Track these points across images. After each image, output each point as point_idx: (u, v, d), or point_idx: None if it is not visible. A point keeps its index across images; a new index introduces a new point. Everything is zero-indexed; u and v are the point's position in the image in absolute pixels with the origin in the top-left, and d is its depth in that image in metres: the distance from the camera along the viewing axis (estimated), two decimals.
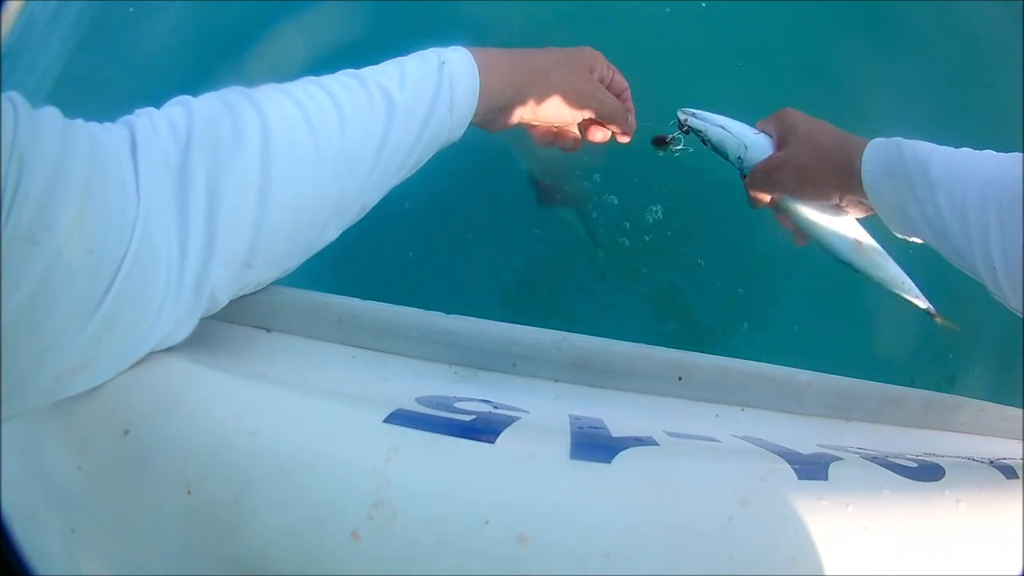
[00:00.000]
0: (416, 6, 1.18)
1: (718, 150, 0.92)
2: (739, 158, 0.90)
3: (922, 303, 0.90)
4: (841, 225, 0.88)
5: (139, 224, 0.45)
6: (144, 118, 0.51)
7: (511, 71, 0.72)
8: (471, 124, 0.71)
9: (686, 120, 0.92)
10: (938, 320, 0.91)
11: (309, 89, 0.59)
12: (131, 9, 1.29)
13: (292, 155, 0.54)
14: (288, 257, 0.58)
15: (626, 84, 0.86)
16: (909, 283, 0.90)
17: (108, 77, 1.25)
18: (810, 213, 0.88)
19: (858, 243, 0.88)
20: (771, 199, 0.90)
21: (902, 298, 0.90)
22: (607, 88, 0.83)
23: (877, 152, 0.77)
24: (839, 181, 0.81)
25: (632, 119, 0.86)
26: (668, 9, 1.03)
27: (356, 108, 0.59)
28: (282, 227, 0.55)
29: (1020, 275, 0.62)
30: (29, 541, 0.46)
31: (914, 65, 1.26)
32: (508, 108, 0.74)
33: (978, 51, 1.28)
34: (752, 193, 0.91)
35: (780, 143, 0.88)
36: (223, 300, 0.54)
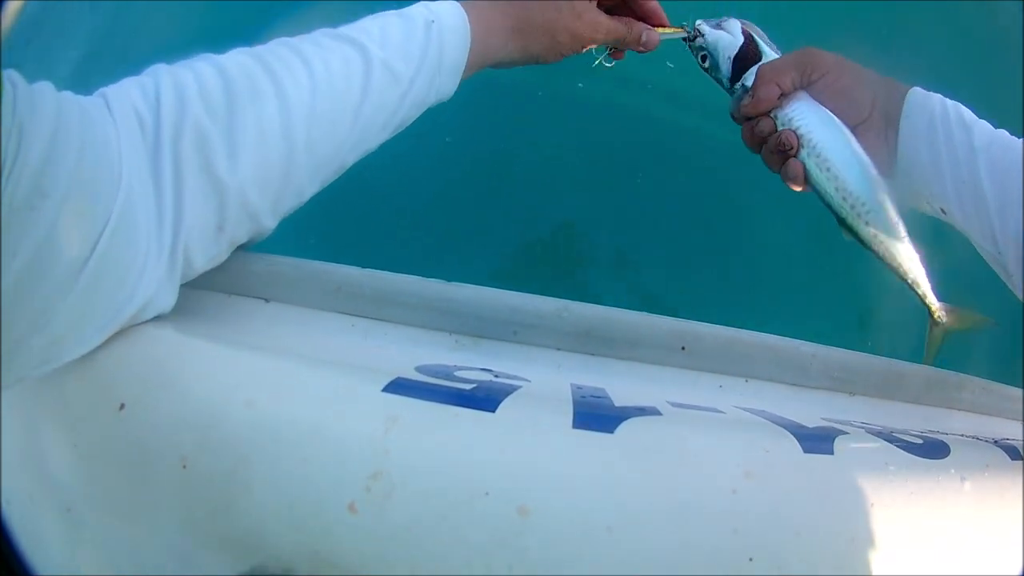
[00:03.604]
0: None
1: (711, 54, 0.80)
2: (728, 58, 0.79)
3: (927, 292, 0.78)
4: (856, 145, 0.75)
5: (123, 187, 0.46)
6: (117, 87, 0.52)
7: (508, 28, 0.70)
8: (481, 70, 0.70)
9: (699, 25, 0.80)
10: (942, 318, 0.78)
11: (278, 51, 0.58)
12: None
13: (259, 117, 0.54)
14: (261, 219, 0.57)
15: None
16: (919, 262, 0.77)
17: (104, 78, 1.23)
18: (828, 126, 0.74)
19: (874, 175, 0.74)
20: (781, 95, 0.76)
21: (903, 277, 0.78)
22: None
23: (921, 101, 0.71)
24: (883, 87, 0.74)
25: (637, 33, 0.78)
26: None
27: (329, 67, 0.58)
28: (252, 190, 0.54)
29: None
30: (26, 522, 0.46)
31: (913, 65, 1.24)
32: (510, 63, 0.73)
33: (978, 51, 1.26)
34: (765, 82, 0.76)
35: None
36: (199, 266, 0.54)
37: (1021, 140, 0.67)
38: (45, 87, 0.44)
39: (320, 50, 0.59)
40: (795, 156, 0.76)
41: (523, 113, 1.18)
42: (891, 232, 0.76)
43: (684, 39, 0.82)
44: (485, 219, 1.19)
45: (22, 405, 0.48)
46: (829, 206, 0.78)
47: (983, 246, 0.68)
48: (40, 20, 1.20)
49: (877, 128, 0.74)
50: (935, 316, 0.79)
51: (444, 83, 0.66)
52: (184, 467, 0.43)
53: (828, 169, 0.75)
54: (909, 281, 0.78)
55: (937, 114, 0.70)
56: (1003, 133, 0.68)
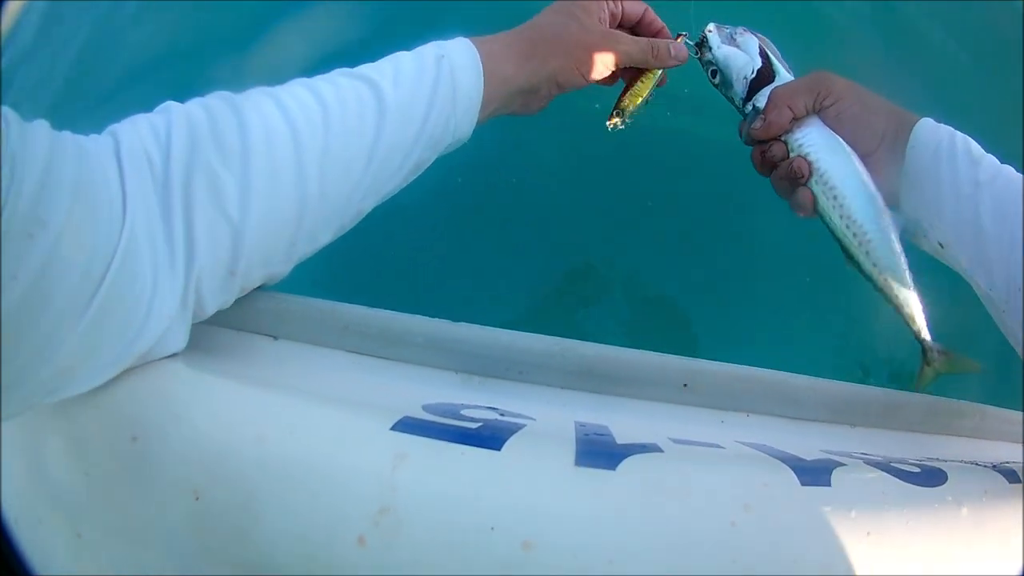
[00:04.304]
0: (417, 6, 1.17)
1: (722, 71, 0.80)
2: (745, 79, 0.79)
3: (922, 328, 0.78)
4: (864, 175, 0.75)
5: (127, 224, 0.47)
6: (128, 124, 0.52)
7: (519, 52, 0.69)
8: (498, 115, 0.69)
9: (708, 33, 0.79)
10: (934, 358, 0.78)
11: (294, 90, 0.58)
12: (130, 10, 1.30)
13: (272, 160, 0.54)
14: (274, 264, 0.57)
15: (643, 7, 0.77)
16: (915, 298, 0.77)
17: (107, 79, 1.24)
18: (835, 152, 0.74)
19: (880, 207, 0.74)
20: (794, 118, 0.75)
21: (900, 311, 0.78)
22: (623, 20, 0.77)
23: (929, 132, 0.71)
24: (893, 117, 0.74)
25: (664, 46, 0.76)
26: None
27: (344, 107, 0.58)
28: (265, 234, 0.54)
29: None
30: (35, 546, 0.47)
31: (912, 66, 1.25)
32: (532, 90, 0.71)
33: (978, 51, 1.27)
34: (777, 106, 0.76)
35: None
36: (210, 308, 0.55)
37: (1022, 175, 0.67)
38: (39, 123, 0.44)
39: (335, 89, 0.59)
40: (805, 184, 0.76)
41: (532, 137, 1.17)
42: (892, 266, 0.76)
43: (695, 46, 0.81)
44: (504, 257, 1.18)
45: (34, 431, 0.49)
46: (833, 234, 0.78)
47: (978, 283, 0.68)
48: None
49: (884, 158, 0.74)
50: (928, 355, 0.79)
51: (460, 120, 0.65)
52: (196, 499, 0.45)
53: (835, 198, 0.75)
54: (905, 316, 0.78)
55: (944, 146, 0.69)
56: (1008, 169, 0.67)
